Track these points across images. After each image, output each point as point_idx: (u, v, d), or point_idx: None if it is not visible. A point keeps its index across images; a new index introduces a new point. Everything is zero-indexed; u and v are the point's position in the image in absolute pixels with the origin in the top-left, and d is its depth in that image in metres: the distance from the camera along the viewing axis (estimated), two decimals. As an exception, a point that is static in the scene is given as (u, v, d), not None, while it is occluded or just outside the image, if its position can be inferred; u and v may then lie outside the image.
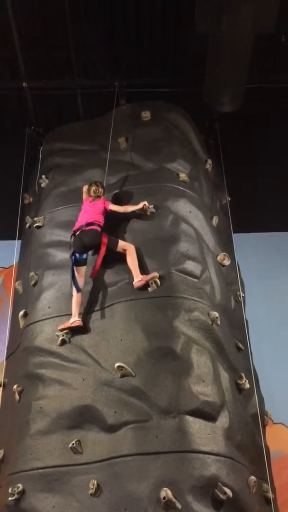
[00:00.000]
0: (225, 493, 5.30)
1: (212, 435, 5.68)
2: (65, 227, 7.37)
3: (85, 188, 7.46)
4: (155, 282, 6.50)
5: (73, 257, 6.80)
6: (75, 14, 8.68)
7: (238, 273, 7.96)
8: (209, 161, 8.75)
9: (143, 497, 5.28)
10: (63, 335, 6.47)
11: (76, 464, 5.72)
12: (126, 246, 6.81)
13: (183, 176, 7.66)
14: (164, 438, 5.56)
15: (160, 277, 6.54)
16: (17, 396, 6.51)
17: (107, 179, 7.72)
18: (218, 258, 7.54)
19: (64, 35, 8.91)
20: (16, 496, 5.64)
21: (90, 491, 5.46)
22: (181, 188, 7.54)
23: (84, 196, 7.38)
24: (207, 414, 5.77)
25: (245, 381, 6.57)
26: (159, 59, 9.43)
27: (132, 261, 6.68)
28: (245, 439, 6.13)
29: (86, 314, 6.66)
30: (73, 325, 6.47)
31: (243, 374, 6.61)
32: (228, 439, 5.80)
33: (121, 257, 6.78)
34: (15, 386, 6.56)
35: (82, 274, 6.82)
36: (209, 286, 6.88)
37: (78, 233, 6.90)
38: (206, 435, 5.63)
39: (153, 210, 7.16)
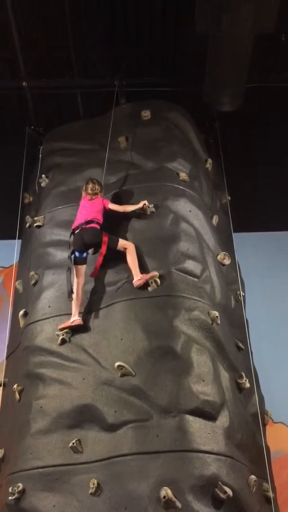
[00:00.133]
0: (225, 492, 5.30)
1: (212, 434, 5.68)
2: (65, 227, 7.37)
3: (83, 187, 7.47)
4: (155, 281, 6.50)
5: (72, 256, 6.80)
6: (75, 13, 8.69)
7: (238, 272, 7.96)
8: (209, 161, 8.75)
9: (143, 496, 5.28)
10: (63, 335, 6.47)
11: (76, 463, 5.72)
12: (126, 245, 6.81)
13: (183, 175, 7.66)
14: (164, 437, 5.56)
15: (160, 276, 6.54)
16: (17, 396, 6.51)
17: (107, 179, 7.72)
18: (218, 257, 7.54)
19: (64, 35, 8.92)
20: (16, 495, 5.64)
21: (91, 490, 5.46)
22: (181, 188, 7.54)
23: (82, 194, 7.38)
24: (207, 413, 5.77)
25: (245, 380, 6.57)
26: (159, 59, 9.43)
27: (132, 260, 6.68)
28: (245, 438, 6.13)
29: (86, 313, 6.66)
30: (73, 324, 6.47)
31: (243, 374, 6.61)
32: (228, 438, 5.80)
33: (121, 256, 6.78)
34: (15, 386, 6.56)
35: (81, 273, 6.80)
36: (209, 286, 6.88)
37: (78, 231, 6.90)
38: (206, 434, 5.63)
39: (153, 209, 7.16)
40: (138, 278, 6.51)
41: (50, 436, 5.93)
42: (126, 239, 6.99)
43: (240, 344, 7.12)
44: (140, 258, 6.77)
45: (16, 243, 8.42)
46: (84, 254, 6.82)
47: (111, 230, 7.07)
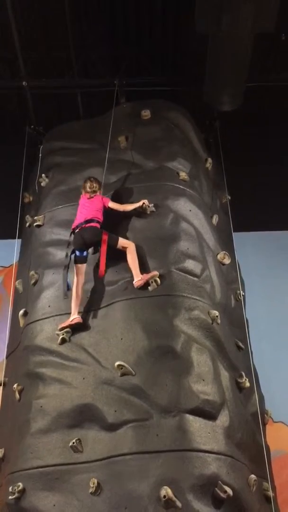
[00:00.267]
0: (225, 491, 5.30)
1: (212, 434, 5.68)
2: (65, 226, 7.37)
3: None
4: (155, 281, 6.50)
5: (72, 255, 6.80)
6: (75, 13, 8.69)
7: (238, 272, 7.96)
8: (209, 160, 8.75)
9: (144, 495, 5.27)
10: (63, 334, 6.47)
11: (76, 462, 5.72)
12: (126, 244, 6.80)
13: (183, 175, 7.67)
14: (164, 437, 5.56)
15: (160, 276, 6.54)
16: (17, 395, 6.51)
17: (108, 178, 7.72)
18: (218, 257, 7.54)
19: (64, 34, 8.92)
20: (16, 495, 5.64)
21: (91, 490, 5.46)
22: (181, 187, 7.54)
23: (82, 192, 7.38)
24: (207, 412, 5.77)
25: (245, 379, 6.57)
26: (159, 58, 9.43)
27: (132, 260, 6.67)
28: (245, 438, 6.13)
29: (86, 312, 6.66)
30: (72, 322, 6.47)
31: (243, 373, 6.62)
32: (228, 437, 5.80)
33: (121, 256, 6.77)
34: (15, 385, 6.56)
35: (82, 272, 6.80)
36: (209, 285, 6.88)
37: (77, 230, 6.90)
38: (206, 434, 5.64)
39: (153, 208, 7.16)
40: (138, 278, 6.51)
41: (50, 436, 5.93)
42: (126, 238, 6.98)
43: (240, 344, 7.12)
44: (140, 258, 6.77)
45: (16, 243, 8.42)
46: (85, 253, 6.83)
47: (111, 229, 7.07)
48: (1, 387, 7.16)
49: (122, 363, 5.97)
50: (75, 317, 6.51)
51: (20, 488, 5.66)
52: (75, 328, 6.51)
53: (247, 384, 6.59)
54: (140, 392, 5.85)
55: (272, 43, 9.08)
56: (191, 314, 6.38)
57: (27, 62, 9.01)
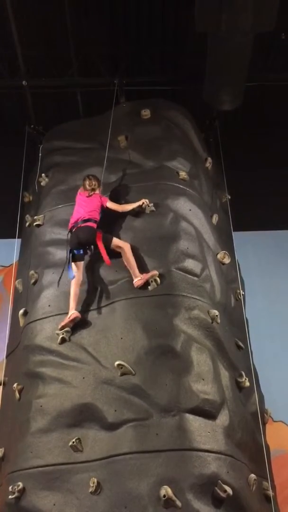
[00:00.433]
0: (225, 491, 5.31)
1: (212, 433, 5.68)
2: (65, 226, 7.36)
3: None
4: (155, 280, 6.50)
5: (70, 254, 6.80)
6: (75, 12, 8.68)
7: (238, 271, 7.97)
8: (209, 159, 8.75)
9: (143, 495, 5.28)
10: (63, 334, 6.46)
11: (76, 462, 5.72)
12: (121, 244, 6.78)
13: (183, 174, 7.67)
14: (164, 436, 5.56)
15: (160, 275, 6.55)
16: (17, 395, 6.51)
17: (108, 177, 7.73)
18: (218, 256, 7.54)
19: (64, 34, 8.91)
20: (16, 494, 5.64)
21: (90, 489, 5.46)
22: (181, 186, 7.54)
23: (80, 190, 7.39)
24: (207, 412, 5.78)
25: (245, 379, 6.57)
26: (159, 58, 9.43)
27: (128, 261, 6.66)
28: (245, 437, 6.13)
29: (86, 312, 6.66)
30: (71, 318, 6.46)
31: (243, 372, 6.62)
32: (228, 437, 5.81)
33: (120, 255, 6.78)
34: (15, 385, 6.57)
35: (80, 269, 6.82)
36: (209, 285, 6.88)
37: (74, 230, 6.90)
38: (206, 433, 5.64)
39: (153, 208, 7.15)
40: (138, 278, 6.51)
41: (50, 435, 5.93)
42: (126, 238, 6.98)
43: (240, 343, 7.12)
44: (140, 257, 6.77)
45: (16, 242, 8.42)
46: (81, 251, 6.82)
47: (111, 228, 7.08)
48: (1, 386, 7.15)
49: (122, 362, 5.97)
50: (73, 312, 6.50)
51: (20, 487, 5.67)
52: (75, 328, 6.51)
53: (247, 384, 6.59)
54: (140, 392, 5.85)
55: (272, 42, 9.07)
56: (191, 314, 6.39)
57: (27, 61, 9.00)
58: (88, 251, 6.86)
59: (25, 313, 7.17)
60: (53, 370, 6.34)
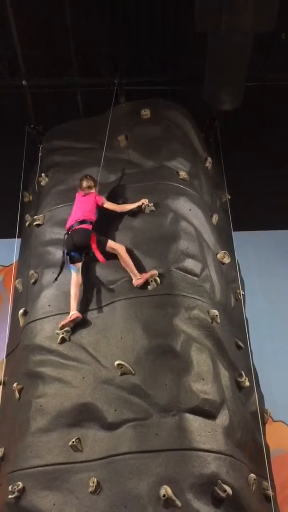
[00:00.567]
0: (225, 490, 5.31)
1: (212, 433, 5.68)
2: (65, 225, 7.35)
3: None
4: (155, 280, 6.50)
5: (67, 256, 6.80)
6: (75, 12, 8.68)
7: (238, 271, 7.97)
8: (209, 159, 8.74)
9: (143, 494, 5.28)
10: (63, 333, 6.46)
11: (76, 462, 5.72)
12: (115, 247, 6.77)
13: (183, 174, 7.66)
14: (164, 436, 5.56)
15: (160, 275, 6.55)
16: (17, 394, 6.51)
17: (108, 177, 7.74)
18: (218, 256, 7.54)
19: (64, 33, 8.91)
20: (16, 494, 5.64)
21: (90, 489, 5.46)
22: (181, 186, 7.54)
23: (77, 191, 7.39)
24: (207, 412, 5.78)
25: (245, 379, 6.57)
26: (159, 58, 9.43)
27: (124, 261, 6.66)
28: (245, 437, 6.13)
29: (86, 312, 6.66)
30: (72, 318, 6.46)
31: (243, 372, 6.62)
32: (228, 437, 5.81)
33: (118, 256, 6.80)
34: (15, 384, 6.56)
35: (78, 269, 6.81)
36: (209, 284, 6.88)
37: (70, 232, 6.90)
38: (206, 433, 5.64)
39: (153, 208, 7.15)
40: (138, 277, 6.51)
41: (50, 435, 5.93)
42: (125, 238, 6.98)
43: (240, 343, 7.12)
44: (139, 257, 6.77)
45: (16, 242, 8.41)
46: (77, 253, 6.82)
47: (110, 228, 7.08)
48: (1, 386, 7.15)
49: (121, 362, 5.97)
50: (74, 312, 6.50)
51: (20, 487, 5.66)
52: (75, 327, 6.51)
53: (247, 383, 6.59)
54: (140, 391, 5.85)
55: (272, 42, 9.07)
56: (191, 314, 6.39)
57: (27, 61, 9.00)
58: (84, 252, 6.86)
59: (25, 313, 7.17)
60: (53, 369, 6.34)
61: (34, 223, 7.87)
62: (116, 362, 5.99)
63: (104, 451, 5.67)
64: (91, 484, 5.47)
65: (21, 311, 7.24)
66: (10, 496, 5.66)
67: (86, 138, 8.58)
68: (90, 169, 7.89)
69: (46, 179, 8.46)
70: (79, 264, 6.83)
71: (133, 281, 6.52)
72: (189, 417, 5.67)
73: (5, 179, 9.74)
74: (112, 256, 6.79)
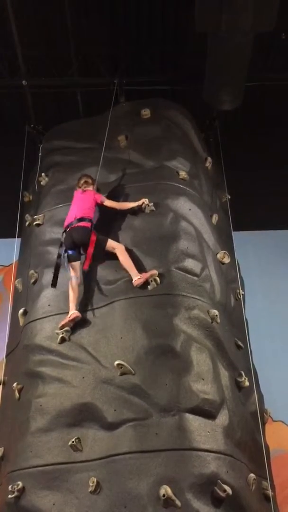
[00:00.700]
0: (224, 490, 5.31)
1: (212, 433, 5.68)
2: (65, 225, 7.38)
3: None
4: (155, 280, 6.50)
5: (65, 254, 6.79)
6: (75, 12, 8.68)
7: (238, 271, 7.97)
8: (209, 159, 8.74)
9: (143, 494, 5.28)
10: (62, 333, 6.46)
11: (76, 461, 5.72)
12: (115, 246, 6.77)
13: (183, 174, 7.67)
14: (164, 436, 5.56)
15: (159, 275, 6.54)
16: (17, 394, 6.51)
17: (108, 177, 7.74)
18: (218, 256, 7.54)
19: (64, 34, 8.91)
20: (16, 493, 5.64)
21: (90, 489, 5.46)
22: (181, 186, 7.54)
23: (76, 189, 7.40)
24: (206, 412, 5.78)
25: (245, 379, 6.57)
26: (159, 58, 9.43)
27: (124, 261, 6.65)
28: (244, 437, 6.13)
29: (85, 312, 6.66)
30: (71, 317, 6.46)
31: (242, 372, 6.62)
32: (228, 437, 5.81)
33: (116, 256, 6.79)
34: (15, 384, 6.56)
35: (76, 269, 6.80)
36: (209, 284, 6.88)
37: (68, 230, 6.90)
38: (205, 433, 5.64)
39: (153, 208, 7.15)
40: (137, 277, 6.50)
41: (50, 435, 5.93)
42: (125, 237, 6.98)
43: (240, 343, 7.12)
44: (139, 257, 6.77)
45: (16, 242, 8.41)
46: (75, 252, 6.81)
47: (110, 227, 7.08)
48: (1, 386, 7.16)
49: (121, 362, 5.97)
50: (73, 312, 6.50)
51: (19, 486, 5.66)
52: (75, 327, 6.51)
53: (247, 383, 6.59)
54: (140, 391, 5.85)
55: (272, 42, 9.07)
56: (191, 313, 6.38)
57: (27, 61, 9.00)
58: (82, 251, 6.86)
59: (25, 313, 7.17)
60: (53, 369, 6.34)
61: (34, 223, 7.87)
62: (116, 362, 5.98)
63: (104, 451, 5.67)
64: (91, 484, 5.46)
65: (21, 311, 7.24)
66: (10, 496, 5.66)
67: (86, 138, 8.58)
68: (90, 169, 7.89)
69: (46, 179, 8.46)
70: (77, 264, 6.82)
71: (133, 281, 6.52)
72: (189, 417, 5.67)
73: (5, 179, 9.74)
74: (111, 256, 6.79)
